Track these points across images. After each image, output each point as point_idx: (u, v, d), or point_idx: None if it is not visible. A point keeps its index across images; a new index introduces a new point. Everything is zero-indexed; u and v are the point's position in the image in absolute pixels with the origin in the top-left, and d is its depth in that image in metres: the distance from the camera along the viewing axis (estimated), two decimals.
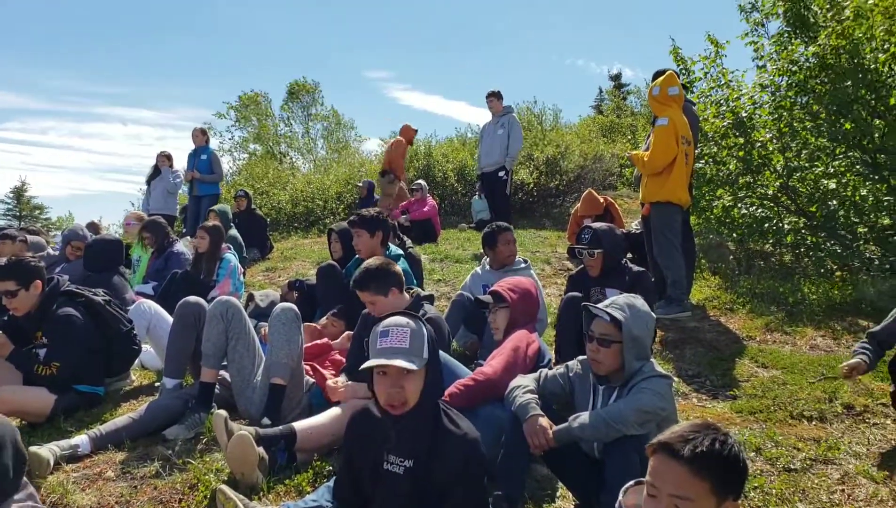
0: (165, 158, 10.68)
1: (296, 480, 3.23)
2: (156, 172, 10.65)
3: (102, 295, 4.39)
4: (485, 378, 3.41)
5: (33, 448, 3.43)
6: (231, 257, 6.18)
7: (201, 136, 10.67)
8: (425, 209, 11.13)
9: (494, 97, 10.02)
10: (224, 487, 2.84)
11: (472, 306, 4.65)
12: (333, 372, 4.11)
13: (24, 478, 2.24)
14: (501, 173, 9.85)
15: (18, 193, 36.69)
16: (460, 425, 2.43)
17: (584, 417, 2.84)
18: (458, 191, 14.36)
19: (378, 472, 2.42)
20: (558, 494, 3.23)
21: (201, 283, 5.96)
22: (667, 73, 5.79)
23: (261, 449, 3.19)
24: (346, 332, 4.47)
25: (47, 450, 3.49)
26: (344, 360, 4.16)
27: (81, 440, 3.67)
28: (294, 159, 26.33)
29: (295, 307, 3.90)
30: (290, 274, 8.29)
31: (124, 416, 3.91)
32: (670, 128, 5.55)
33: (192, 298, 4.17)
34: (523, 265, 5.25)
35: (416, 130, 12.49)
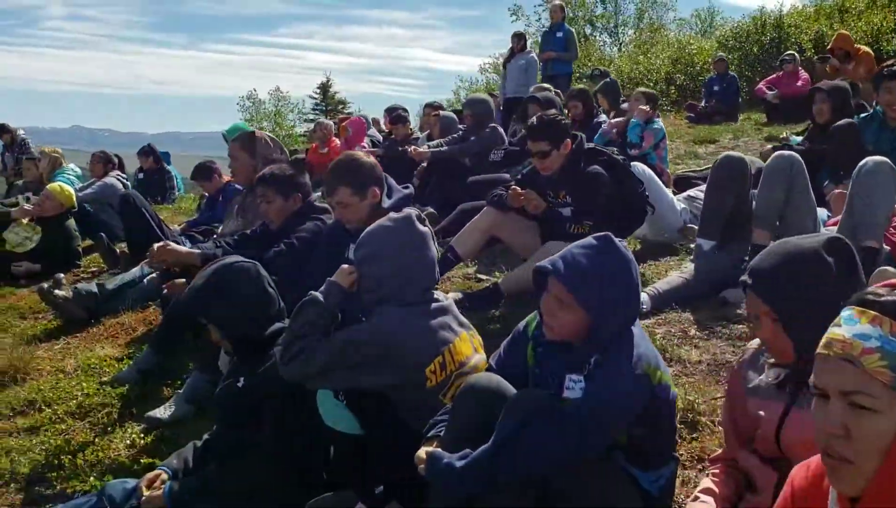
0: (518, 39, 10.56)
1: None
2: (511, 54, 10.60)
3: (620, 155, 4.28)
4: None
5: None
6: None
7: (560, 12, 10.34)
8: (798, 84, 9.90)
9: None
10: None
11: None
12: None
13: None
14: None
15: (324, 88, 39.19)
16: None
17: None
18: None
19: None
20: None
21: None
22: None
23: None
24: None
25: None
26: None
27: (643, 298, 3.64)
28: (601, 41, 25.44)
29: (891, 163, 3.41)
30: None
31: (674, 275, 3.82)
32: None
33: (736, 154, 3.87)
34: None
35: None
